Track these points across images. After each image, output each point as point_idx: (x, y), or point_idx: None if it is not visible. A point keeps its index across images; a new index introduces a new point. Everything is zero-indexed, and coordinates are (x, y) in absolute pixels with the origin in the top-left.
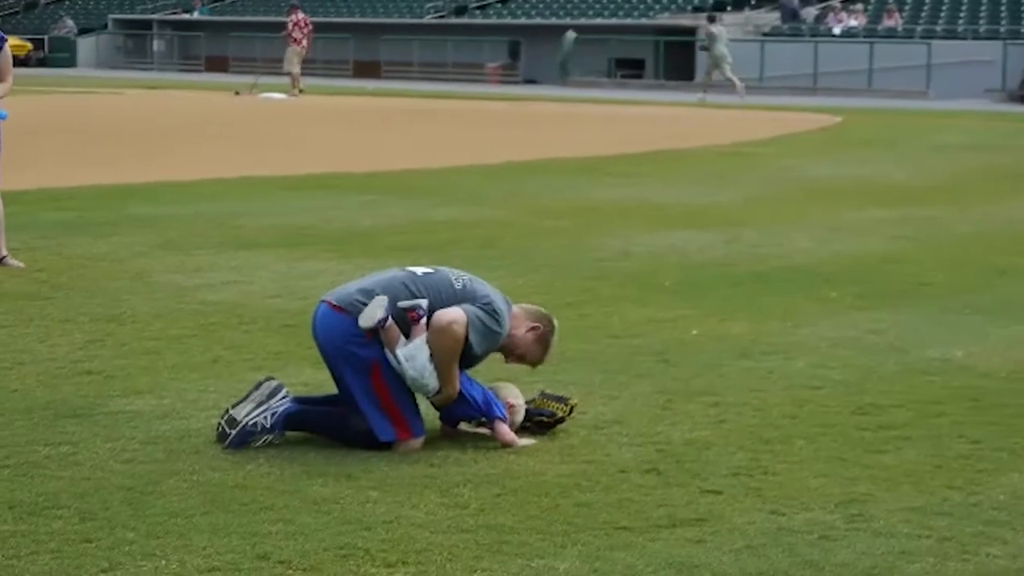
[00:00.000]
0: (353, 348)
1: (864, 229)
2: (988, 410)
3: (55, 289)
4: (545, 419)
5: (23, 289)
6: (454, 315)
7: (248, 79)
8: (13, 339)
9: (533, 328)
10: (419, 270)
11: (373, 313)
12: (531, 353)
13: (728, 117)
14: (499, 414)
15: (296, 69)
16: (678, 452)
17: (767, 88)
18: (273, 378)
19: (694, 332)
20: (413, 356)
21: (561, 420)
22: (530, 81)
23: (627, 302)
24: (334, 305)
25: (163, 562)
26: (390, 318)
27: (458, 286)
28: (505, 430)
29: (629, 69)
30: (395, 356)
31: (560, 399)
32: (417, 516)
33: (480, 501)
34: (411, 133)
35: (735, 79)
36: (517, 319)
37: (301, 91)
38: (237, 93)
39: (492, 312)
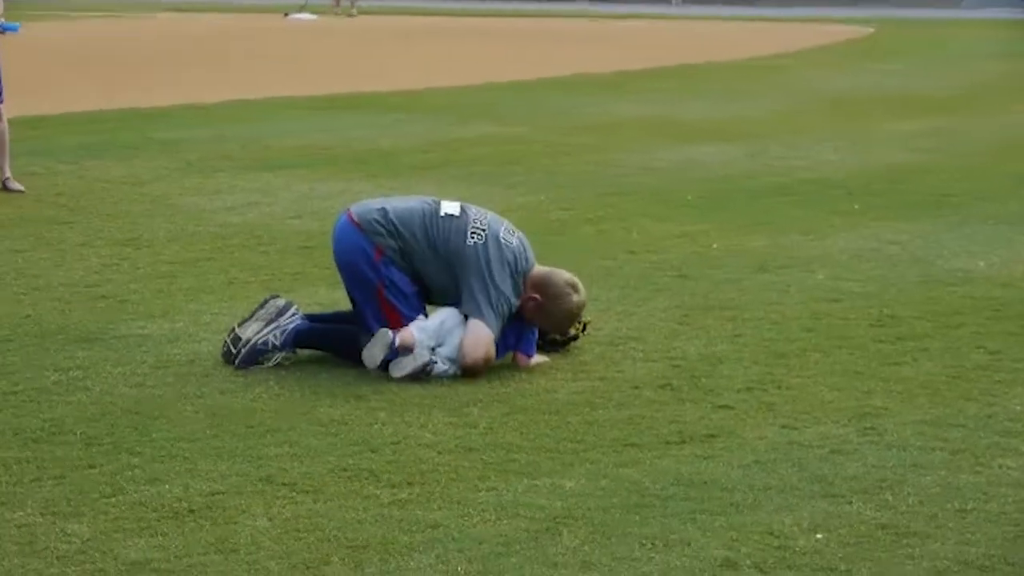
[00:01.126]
0: (362, 266)
1: (888, 141)
2: (1008, 320)
3: (74, 213)
4: (558, 338)
5: (42, 213)
6: (481, 350)
7: (297, 0)
8: (29, 264)
9: (532, 298)
10: (444, 209)
11: (374, 355)
12: (537, 320)
13: (757, 30)
14: (525, 350)
15: None
16: (692, 367)
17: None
18: (279, 296)
19: (714, 246)
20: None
21: (575, 338)
22: None
23: (647, 217)
24: (353, 219)
25: (167, 486)
26: (396, 340)
27: (469, 243)
28: (523, 360)
29: None
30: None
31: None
32: (424, 436)
33: (489, 420)
34: (442, 52)
35: None
36: (530, 282)
37: (352, 15)
38: (286, 15)
39: (500, 295)
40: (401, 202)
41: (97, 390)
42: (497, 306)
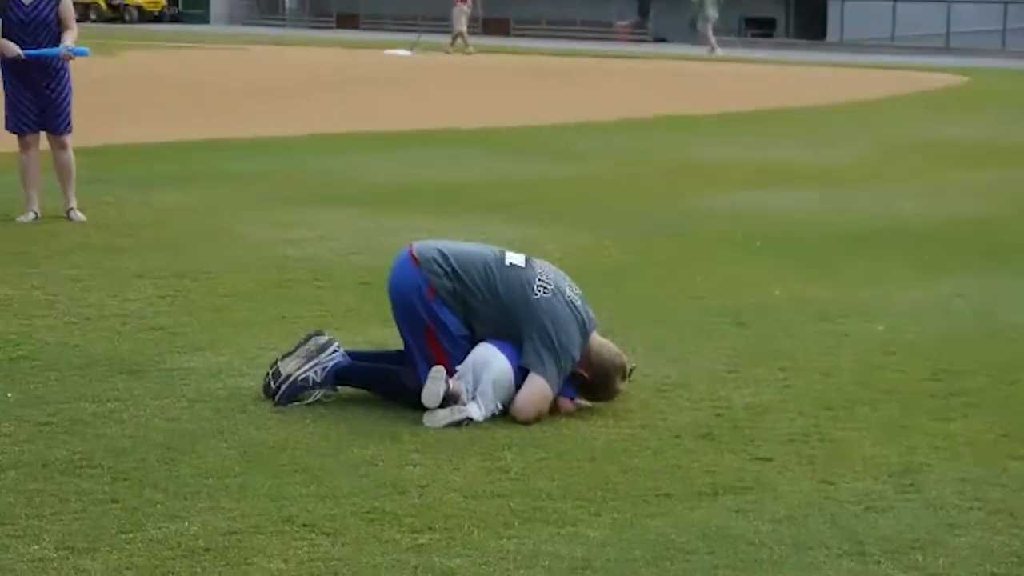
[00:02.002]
0: (415, 303)
1: (969, 191)
2: None
3: (137, 242)
4: None
5: (106, 242)
6: (536, 408)
7: (410, 36)
8: (86, 293)
9: (579, 374)
10: (510, 259)
11: (436, 389)
12: (580, 391)
13: (851, 77)
14: (568, 393)
15: (463, 28)
16: (736, 417)
17: (899, 47)
18: (323, 332)
19: (776, 293)
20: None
21: (629, 372)
22: (660, 40)
23: (713, 262)
24: (413, 255)
25: (185, 524)
26: (450, 385)
27: (535, 295)
28: (566, 404)
29: (759, 28)
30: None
31: None
32: (454, 480)
33: (522, 465)
34: (529, 90)
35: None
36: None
37: (469, 52)
38: (410, 50)
39: (566, 354)
40: (465, 246)
41: (132, 423)
42: (561, 363)
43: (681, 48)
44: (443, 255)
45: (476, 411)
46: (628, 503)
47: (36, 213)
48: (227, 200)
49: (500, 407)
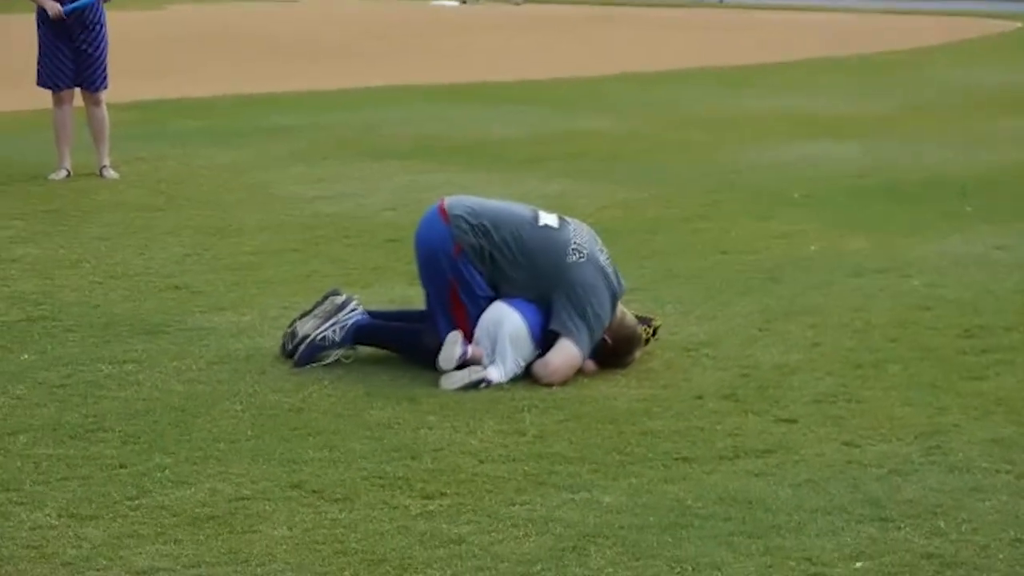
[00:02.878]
0: (440, 259)
1: (1014, 139)
2: None
3: (170, 200)
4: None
5: (139, 200)
6: (566, 372)
7: None
8: (112, 251)
9: (603, 340)
10: (544, 219)
11: (451, 353)
12: (600, 356)
13: (898, 23)
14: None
15: None
16: (763, 377)
17: None
18: (339, 291)
19: (812, 248)
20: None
21: (645, 342)
22: None
23: (749, 216)
24: (443, 210)
25: (192, 490)
26: (469, 350)
27: (571, 259)
28: (589, 365)
29: None
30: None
31: (645, 320)
32: (470, 443)
33: (540, 427)
34: (567, 41)
35: None
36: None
37: (517, 3)
38: (464, 1)
39: (598, 322)
40: (498, 204)
41: (148, 385)
42: (593, 328)
43: None
44: (473, 211)
45: (496, 373)
46: (645, 467)
47: (68, 171)
48: (265, 156)
49: (522, 365)
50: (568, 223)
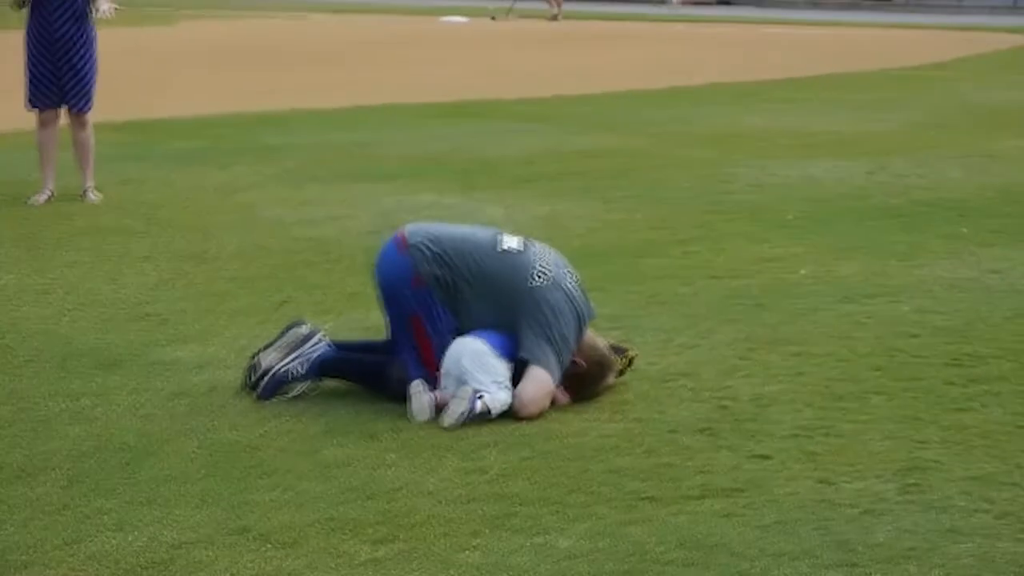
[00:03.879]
0: (401, 289)
1: (1020, 159)
2: None
3: (148, 224)
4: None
5: (118, 223)
6: (542, 402)
7: (504, 3)
8: (84, 279)
9: (576, 363)
10: (506, 243)
11: (422, 403)
12: (571, 381)
13: (912, 38)
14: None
15: None
16: (740, 409)
17: (965, 8)
18: (304, 322)
19: (802, 272)
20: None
21: (620, 373)
22: (724, 2)
23: (741, 238)
24: (403, 239)
25: (133, 535)
26: (436, 396)
27: (534, 283)
28: (561, 397)
29: None
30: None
31: (619, 350)
32: (428, 483)
33: (503, 466)
34: (569, 57)
35: None
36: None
37: (555, 17)
38: (493, 18)
39: (565, 344)
40: (458, 230)
41: (101, 421)
42: (560, 351)
43: (745, 11)
44: (434, 239)
45: (486, 405)
46: (609, 508)
47: (51, 192)
48: (252, 177)
49: (505, 384)
50: (532, 246)
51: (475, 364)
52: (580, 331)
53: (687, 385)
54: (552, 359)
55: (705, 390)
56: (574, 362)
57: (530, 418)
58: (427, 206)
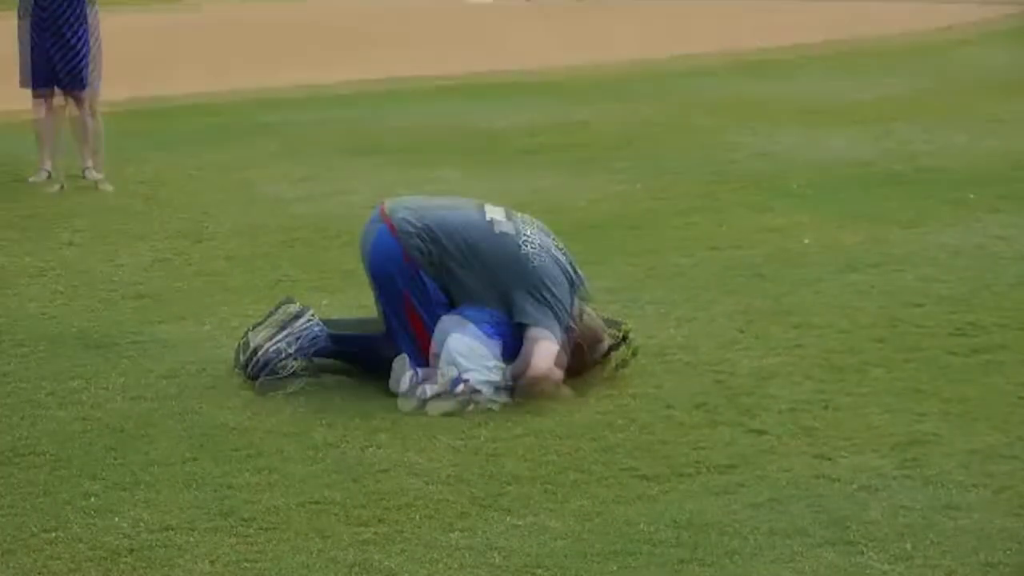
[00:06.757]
0: (389, 268)
1: None
2: None
3: (148, 202)
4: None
5: (117, 202)
6: (549, 361)
7: None
8: (80, 258)
9: (571, 327)
10: (489, 213)
11: (400, 376)
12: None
13: (919, 3)
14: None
15: None
16: (737, 383)
17: None
18: (294, 300)
19: (805, 241)
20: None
21: (615, 348)
22: None
23: (744, 207)
24: (385, 214)
25: (115, 519)
26: (418, 372)
27: (523, 251)
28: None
29: None
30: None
31: (614, 324)
32: (418, 463)
33: (495, 444)
34: (577, 27)
35: None
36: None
37: None
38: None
39: (560, 306)
40: (442, 201)
41: (89, 404)
42: (558, 312)
43: None
44: (415, 214)
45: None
46: (600, 486)
47: (49, 172)
48: (253, 154)
49: (496, 366)
50: (515, 216)
51: (461, 352)
52: (572, 295)
53: (684, 359)
54: (551, 320)
55: (702, 364)
56: (571, 328)
57: (539, 377)
58: (426, 181)
